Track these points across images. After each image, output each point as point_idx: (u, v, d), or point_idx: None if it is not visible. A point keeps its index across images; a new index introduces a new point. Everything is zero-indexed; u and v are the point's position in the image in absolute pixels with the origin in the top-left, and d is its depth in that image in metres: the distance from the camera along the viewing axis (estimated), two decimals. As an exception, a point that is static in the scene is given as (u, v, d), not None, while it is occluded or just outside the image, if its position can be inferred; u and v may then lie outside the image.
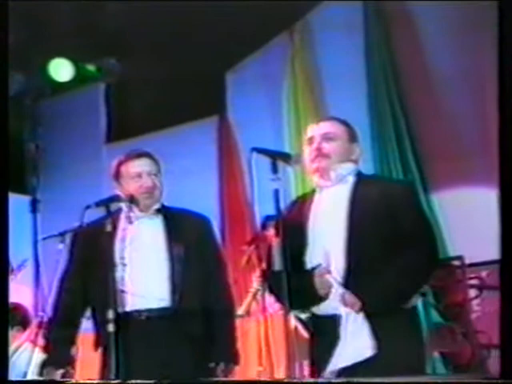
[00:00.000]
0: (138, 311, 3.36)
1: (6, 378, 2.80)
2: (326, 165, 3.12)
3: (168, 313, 3.36)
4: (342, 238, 3.01)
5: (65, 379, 3.34)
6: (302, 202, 3.25)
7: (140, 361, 3.27)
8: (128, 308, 3.34)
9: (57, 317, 3.53)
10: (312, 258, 3.09)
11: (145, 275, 3.40)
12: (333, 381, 2.50)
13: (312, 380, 2.58)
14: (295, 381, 2.60)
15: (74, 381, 3.30)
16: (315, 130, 3.19)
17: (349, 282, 2.98)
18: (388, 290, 2.92)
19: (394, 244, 2.95)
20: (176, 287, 3.37)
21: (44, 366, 3.46)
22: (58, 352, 3.44)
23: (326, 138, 3.15)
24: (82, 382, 3.33)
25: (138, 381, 3.01)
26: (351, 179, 3.14)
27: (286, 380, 2.80)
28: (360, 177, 3.16)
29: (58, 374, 3.40)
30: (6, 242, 2.87)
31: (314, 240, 3.09)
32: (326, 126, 3.19)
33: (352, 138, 3.20)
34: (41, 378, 3.47)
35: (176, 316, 3.35)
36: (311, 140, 3.17)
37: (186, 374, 3.32)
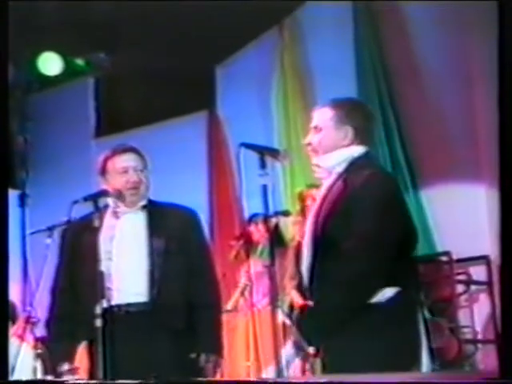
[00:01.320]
0: (118, 306, 3.36)
1: (6, 378, 2.79)
2: (317, 158, 3.09)
3: (147, 307, 3.35)
4: (308, 235, 3.00)
5: (65, 379, 3.33)
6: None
7: (121, 355, 3.27)
8: (112, 303, 3.34)
9: (53, 314, 3.52)
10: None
11: (126, 270, 3.39)
12: (321, 381, 2.49)
13: (308, 380, 2.57)
14: (294, 381, 2.60)
15: (73, 381, 3.29)
16: (312, 122, 3.15)
17: (311, 287, 2.96)
18: (353, 284, 2.88)
19: (359, 239, 2.89)
20: (155, 281, 3.36)
21: (52, 362, 3.46)
22: (62, 347, 3.45)
23: (315, 130, 3.11)
24: (81, 382, 3.32)
25: (132, 381, 3.00)
26: (341, 167, 3.05)
27: (283, 380, 2.79)
28: (352, 165, 3.02)
29: (65, 368, 3.40)
30: (5, 240, 2.84)
31: (308, 236, 3.06)
32: (315, 117, 3.13)
33: (340, 121, 3.06)
34: (40, 377, 3.47)
35: (155, 310, 3.35)
36: (308, 134, 3.15)
37: (167, 367, 3.31)
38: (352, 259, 2.86)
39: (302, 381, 2.45)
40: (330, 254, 2.92)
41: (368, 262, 2.85)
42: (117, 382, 3.10)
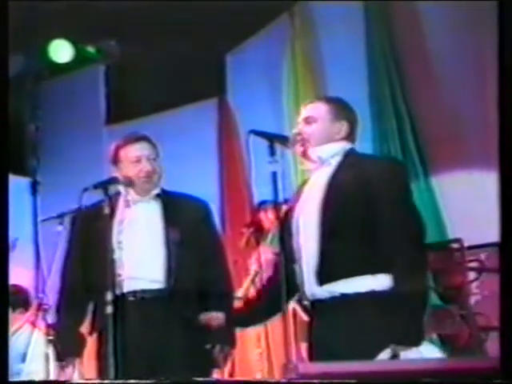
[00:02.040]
0: (133, 292, 3.37)
1: (6, 378, 2.80)
2: (307, 149, 3.12)
3: (163, 294, 3.36)
4: (315, 223, 3.01)
5: (65, 379, 3.35)
6: (300, 186, 3.27)
7: (134, 341, 3.28)
8: (123, 290, 3.35)
9: (62, 302, 3.54)
10: (296, 250, 3.09)
11: (141, 258, 3.40)
12: (335, 381, 2.51)
13: (313, 380, 2.59)
14: (295, 381, 2.62)
15: (74, 381, 3.31)
16: (300, 114, 3.21)
17: (321, 273, 2.99)
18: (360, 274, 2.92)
19: (371, 227, 2.92)
20: (171, 269, 3.38)
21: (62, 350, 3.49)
22: (70, 334, 3.46)
23: (307, 121, 3.16)
24: (82, 381, 3.34)
25: (138, 381, 3.02)
26: (336, 160, 3.10)
27: (285, 380, 2.82)
28: (347, 157, 3.11)
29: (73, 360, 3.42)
30: (6, 227, 2.86)
31: (297, 227, 3.10)
32: (307, 110, 3.19)
33: (337, 116, 3.14)
34: (43, 378, 3.49)
35: (171, 297, 3.36)
36: (297, 125, 3.20)
37: (179, 355, 3.33)
38: (369, 245, 2.89)
39: (307, 380, 2.46)
40: (344, 240, 2.94)
41: (386, 247, 2.87)
42: (130, 382, 3.11)
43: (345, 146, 3.14)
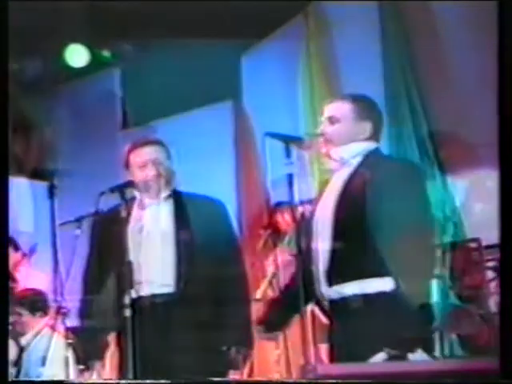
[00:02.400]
0: (147, 296, 3.38)
1: (6, 378, 2.82)
2: (330, 149, 3.11)
3: (173, 298, 3.36)
4: (328, 224, 3.01)
5: (66, 379, 3.37)
6: (322, 188, 3.25)
7: (147, 346, 3.28)
8: (139, 294, 3.36)
9: (82, 305, 3.56)
10: (314, 252, 3.09)
11: (152, 261, 3.41)
12: (340, 381, 2.50)
13: (316, 380, 2.59)
14: (299, 381, 2.62)
15: (75, 381, 3.32)
16: (324, 113, 3.18)
17: (331, 274, 2.98)
18: (370, 274, 2.91)
19: (383, 228, 2.90)
20: (182, 273, 3.38)
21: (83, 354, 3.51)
22: (90, 338, 3.48)
23: (330, 121, 3.13)
24: (83, 382, 3.35)
25: (140, 381, 3.03)
26: (356, 160, 3.08)
27: (288, 380, 2.82)
28: (367, 158, 3.08)
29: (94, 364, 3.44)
30: (6, 227, 2.86)
31: (316, 229, 3.09)
32: (332, 109, 3.15)
33: (361, 115, 3.10)
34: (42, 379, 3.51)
35: (182, 301, 3.36)
36: (320, 124, 3.18)
37: (194, 359, 3.33)
38: (380, 247, 2.88)
39: (308, 380, 2.46)
40: (355, 241, 2.94)
41: (398, 249, 2.86)
42: (132, 381, 3.12)
43: (368, 146, 3.10)
